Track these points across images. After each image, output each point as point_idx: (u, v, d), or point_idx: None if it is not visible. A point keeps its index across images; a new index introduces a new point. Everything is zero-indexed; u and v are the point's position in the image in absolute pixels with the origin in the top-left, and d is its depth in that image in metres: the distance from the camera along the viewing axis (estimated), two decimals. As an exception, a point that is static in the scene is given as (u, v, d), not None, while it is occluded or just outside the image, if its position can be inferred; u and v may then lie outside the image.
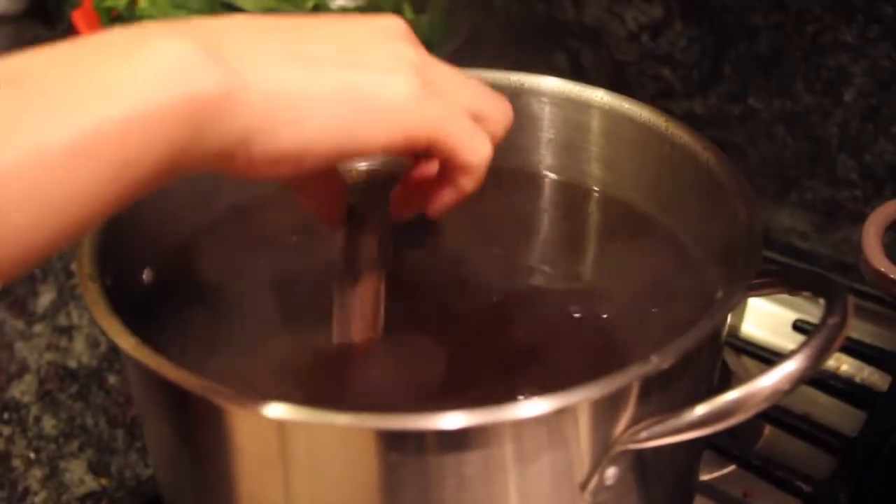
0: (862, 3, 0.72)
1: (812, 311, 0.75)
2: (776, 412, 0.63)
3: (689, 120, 0.52)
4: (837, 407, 0.66)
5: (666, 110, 0.53)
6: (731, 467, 0.62)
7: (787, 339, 0.74)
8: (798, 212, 0.83)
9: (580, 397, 0.36)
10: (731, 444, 0.60)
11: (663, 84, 0.87)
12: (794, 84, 0.79)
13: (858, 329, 0.72)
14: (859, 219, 0.80)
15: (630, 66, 0.89)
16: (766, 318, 0.77)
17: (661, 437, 0.37)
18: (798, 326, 0.73)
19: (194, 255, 0.53)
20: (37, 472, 0.68)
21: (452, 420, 0.35)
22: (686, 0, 0.82)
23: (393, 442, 0.37)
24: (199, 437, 0.41)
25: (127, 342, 0.38)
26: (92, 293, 0.40)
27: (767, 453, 0.63)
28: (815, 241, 0.83)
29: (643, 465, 0.40)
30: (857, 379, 0.71)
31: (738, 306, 0.40)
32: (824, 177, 0.80)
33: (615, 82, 0.90)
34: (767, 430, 0.66)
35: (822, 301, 0.39)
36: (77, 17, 0.87)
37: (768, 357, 0.70)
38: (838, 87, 0.76)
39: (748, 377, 0.70)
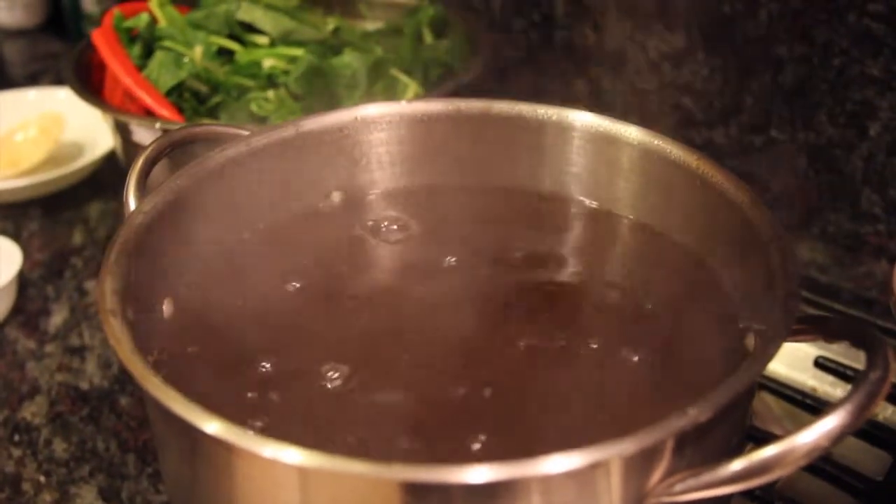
0: (889, 38, 0.72)
1: (832, 348, 0.74)
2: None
3: (708, 150, 0.52)
4: (861, 448, 0.65)
5: (686, 139, 0.52)
6: (752, 506, 0.61)
7: (807, 375, 0.73)
8: (819, 245, 0.82)
9: (613, 452, 0.35)
10: (754, 483, 0.59)
11: (684, 113, 0.86)
12: (818, 116, 0.78)
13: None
14: (882, 253, 0.79)
15: (650, 95, 0.88)
16: (787, 354, 0.75)
17: (696, 490, 0.36)
18: (820, 363, 0.72)
19: (214, 283, 0.52)
20: (46, 497, 0.67)
21: (479, 474, 0.34)
22: (709, 29, 0.81)
23: (417, 494, 0.36)
24: (218, 479, 0.40)
25: (150, 383, 0.37)
26: (115, 331, 0.40)
27: (789, 493, 0.62)
28: (836, 275, 0.82)
29: (675, 517, 0.39)
30: (881, 418, 0.70)
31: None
32: (847, 210, 0.79)
33: (635, 110, 0.90)
34: (789, 469, 0.65)
35: (862, 352, 0.38)
36: (97, 36, 0.86)
37: (789, 394, 0.69)
38: (863, 120, 0.76)
39: (768, 413, 0.70)
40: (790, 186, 0.82)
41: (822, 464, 0.62)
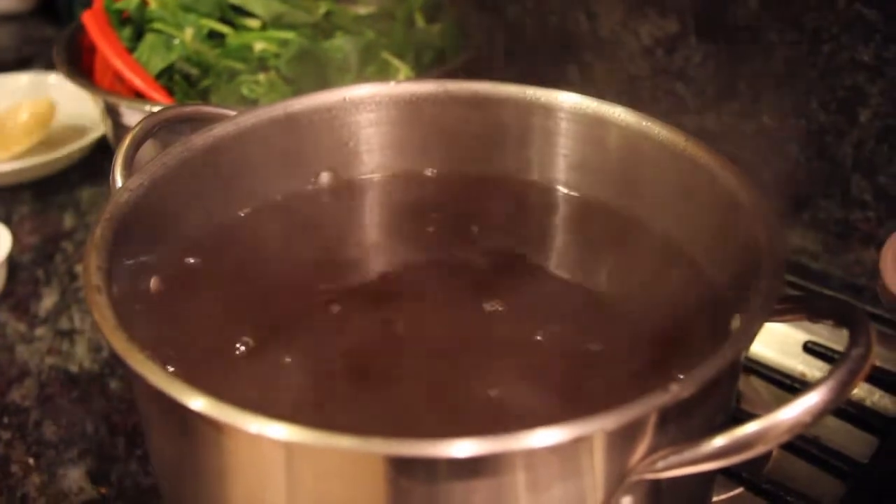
0: (880, 23, 0.71)
1: (821, 333, 0.74)
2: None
3: (700, 136, 0.52)
4: (847, 431, 0.65)
5: (678, 126, 0.52)
6: (739, 490, 0.61)
7: (796, 360, 0.74)
8: (810, 232, 0.82)
9: (596, 427, 0.35)
10: (740, 466, 0.59)
11: (676, 99, 0.86)
12: (809, 102, 0.78)
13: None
14: (872, 240, 0.79)
15: (643, 81, 0.88)
16: (775, 339, 0.75)
17: (679, 467, 0.36)
18: (809, 348, 0.72)
19: (201, 262, 0.52)
20: (35, 479, 0.67)
21: (463, 447, 0.34)
22: (702, 15, 0.81)
23: (402, 468, 0.36)
24: (204, 456, 0.40)
25: (134, 359, 0.37)
26: (100, 307, 0.39)
27: (776, 476, 0.62)
28: (827, 262, 0.83)
29: (658, 493, 0.39)
30: (868, 403, 0.71)
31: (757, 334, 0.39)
32: (837, 197, 0.79)
33: (627, 96, 0.89)
34: (776, 452, 0.65)
35: (845, 331, 0.38)
36: (87, 18, 0.86)
37: (778, 378, 0.69)
38: (854, 106, 0.76)
39: (757, 398, 0.71)
40: (781, 173, 0.82)
41: (808, 446, 0.62)
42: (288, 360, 0.47)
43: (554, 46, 0.94)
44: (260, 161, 0.56)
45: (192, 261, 0.52)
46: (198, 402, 0.36)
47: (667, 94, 0.87)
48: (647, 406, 0.35)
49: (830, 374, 0.36)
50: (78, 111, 1.09)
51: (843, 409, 0.65)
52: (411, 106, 0.58)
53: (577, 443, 0.35)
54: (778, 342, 0.75)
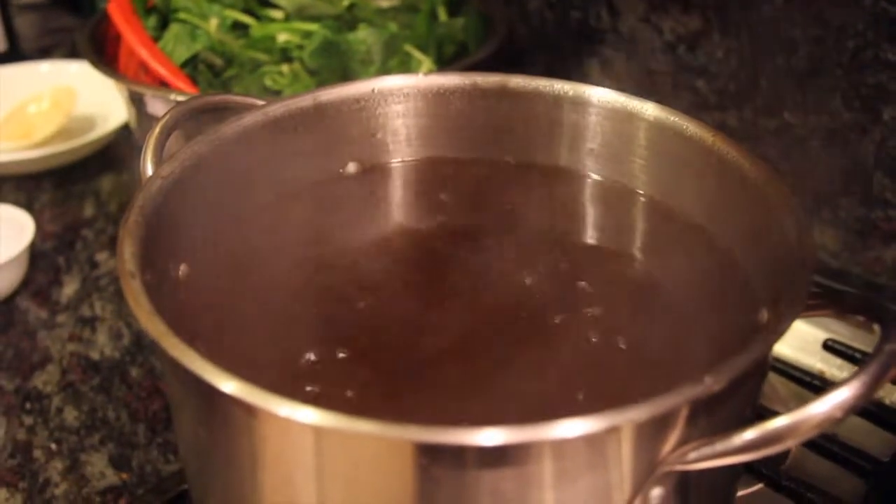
0: (906, 21, 0.71)
1: (841, 331, 0.74)
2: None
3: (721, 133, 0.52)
4: (868, 429, 0.65)
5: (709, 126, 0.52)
6: (759, 486, 0.61)
7: (815, 358, 0.74)
8: (830, 229, 0.82)
9: (626, 418, 0.35)
10: (760, 462, 0.59)
11: (697, 96, 0.86)
12: (831, 100, 0.78)
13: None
14: (893, 239, 0.79)
15: (663, 77, 0.88)
16: (794, 336, 0.75)
17: (711, 459, 0.36)
18: (828, 346, 0.72)
19: (230, 250, 0.53)
20: (57, 464, 0.68)
21: (492, 436, 0.34)
22: (725, 11, 0.81)
23: (431, 455, 0.36)
24: (234, 440, 0.40)
25: (170, 343, 0.37)
26: (134, 292, 0.40)
27: (796, 473, 0.62)
28: (847, 260, 0.82)
29: (687, 485, 0.39)
30: (888, 401, 0.70)
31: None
32: (858, 195, 0.79)
33: (648, 92, 0.89)
34: (796, 449, 0.65)
35: (875, 326, 0.38)
36: (112, 7, 0.86)
37: (797, 375, 0.70)
38: (877, 104, 0.75)
39: (774, 394, 0.71)
40: (802, 171, 0.82)
41: (828, 444, 0.62)
42: (321, 348, 0.47)
43: (575, 41, 0.94)
44: (288, 151, 0.56)
45: (220, 248, 0.52)
46: (229, 386, 0.36)
47: (688, 90, 0.87)
48: (679, 398, 0.35)
49: (863, 368, 0.36)
50: (99, 100, 1.09)
51: (863, 407, 0.65)
52: (439, 98, 0.58)
53: (606, 434, 0.35)
54: (797, 340, 0.75)
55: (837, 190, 0.81)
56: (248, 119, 0.54)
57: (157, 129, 0.52)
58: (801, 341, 0.75)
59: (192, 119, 0.55)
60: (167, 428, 0.71)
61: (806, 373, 0.70)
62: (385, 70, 0.82)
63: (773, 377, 0.72)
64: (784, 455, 0.65)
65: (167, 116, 0.53)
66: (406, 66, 0.83)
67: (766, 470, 0.60)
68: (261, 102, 0.56)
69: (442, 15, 0.89)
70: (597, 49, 0.92)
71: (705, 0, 0.81)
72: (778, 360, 0.72)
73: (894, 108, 0.75)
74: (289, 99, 0.56)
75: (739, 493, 0.61)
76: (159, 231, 0.46)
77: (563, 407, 0.41)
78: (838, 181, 0.80)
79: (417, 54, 0.84)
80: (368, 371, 0.46)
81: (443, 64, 0.86)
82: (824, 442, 0.63)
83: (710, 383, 0.35)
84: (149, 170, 0.51)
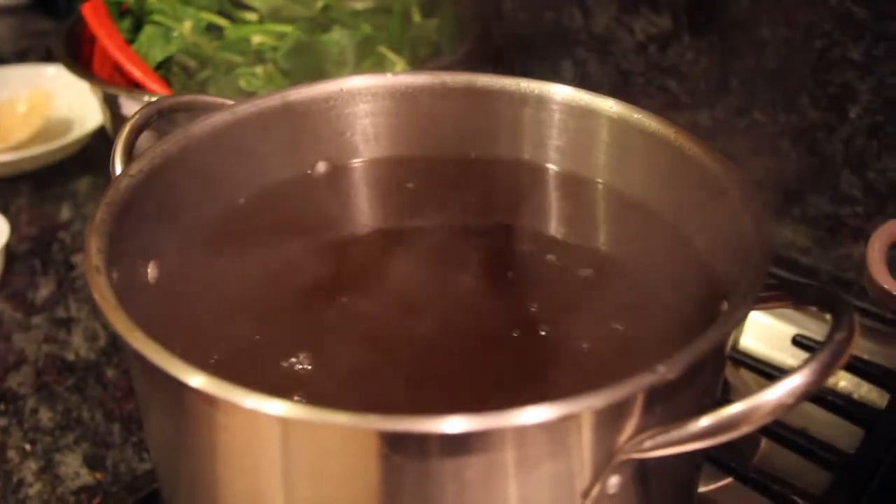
0: (870, 21, 0.72)
1: (811, 327, 0.75)
2: (774, 426, 0.63)
3: (693, 132, 0.53)
4: (835, 423, 0.66)
5: (671, 122, 0.53)
6: (728, 480, 0.62)
7: (785, 354, 0.75)
8: (800, 227, 0.83)
9: (585, 405, 0.35)
10: (729, 456, 0.60)
11: (669, 95, 0.87)
12: (800, 99, 0.79)
13: (857, 346, 0.72)
14: (860, 235, 0.80)
15: (636, 77, 0.89)
16: (765, 332, 0.77)
17: (666, 447, 0.37)
18: (798, 341, 0.73)
19: (199, 250, 0.53)
20: (32, 465, 0.68)
21: (455, 424, 0.35)
22: (695, 12, 0.82)
23: (395, 444, 0.36)
24: (200, 434, 0.40)
25: (134, 337, 0.38)
26: (100, 287, 0.40)
27: (765, 467, 0.63)
28: (816, 257, 0.84)
29: (645, 474, 0.40)
30: (856, 395, 0.72)
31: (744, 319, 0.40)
32: (827, 192, 0.80)
33: (620, 92, 0.90)
34: (764, 443, 0.66)
35: (828, 316, 0.39)
36: (87, 9, 0.87)
37: (767, 371, 0.70)
38: (844, 103, 0.77)
39: (746, 390, 0.71)
40: (772, 169, 0.83)
41: (797, 438, 0.63)
42: (289, 346, 0.47)
43: (548, 42, 0.94)
44: (258, 150, 0.56)
45: (189, 247, 0.53)
46: (196, 379, 0.37)
47: (660, 89, 0.88)
48: (634, 386, 0.36)
49: (813, 357, 0.37)
50: (75, 103, 1.10)
51: (831, 401, 0.66)
52: (407, 97, 0.59)
53: (565, 421, 0.36)
54: (767, 335, 0.76)
55: (806, 187, 0.82)
56: (217, 118, 0.54)
57: (127, 129, 0.52)
58: (772, 337, 0.76)
59: (166, 119, 0.55)
60: (142, 427, 0.71)
61: (776, 368, 0.71)
62: (359, 71, 0.83)
63: (744, 373, 0.72)
64: (753, 449, 0.66)
65: (137, 116, 0.53)
66: (380, 68, 0.84)
67: (734, 464, 0.60)
68: (230, 103, 0.56)
69: (416, 16, 0.90)
70: (570, 50, 0.93)
71: (675, 1, 0.82)
72: (749, 355, 0.72)
73: (861, 106, 0.76)
74: (258, 98, 0.56)
75: (709, 487, 0.62)
76: (127, 228, 0.46)
77: (525, 398, 0.41)
78: (807, 179, 0.82)
79: (391, 55, 0.85)
80: (338, 369, 0.47)
81: (417, 65, 0.86)
82: (792, 436, 0.63)
83: (664, 371, 0.36)
84: (118, 168, 0.51)
